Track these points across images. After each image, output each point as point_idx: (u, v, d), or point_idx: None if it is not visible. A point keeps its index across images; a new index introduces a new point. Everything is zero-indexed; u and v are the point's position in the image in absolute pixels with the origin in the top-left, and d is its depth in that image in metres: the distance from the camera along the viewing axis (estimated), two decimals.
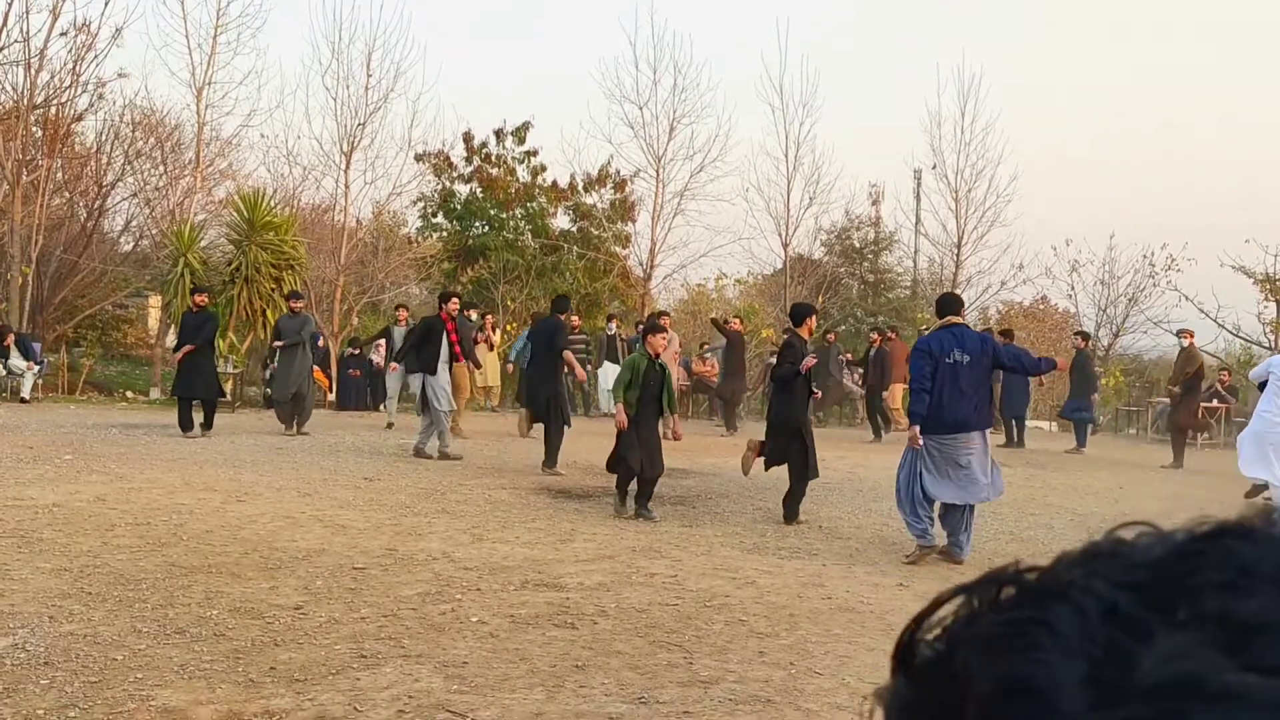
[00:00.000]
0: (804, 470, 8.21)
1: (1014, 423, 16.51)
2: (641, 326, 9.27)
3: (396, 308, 16.58)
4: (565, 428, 10.63)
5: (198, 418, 12.48)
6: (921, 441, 6.96)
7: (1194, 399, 14.90)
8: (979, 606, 0.42)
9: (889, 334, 17.68)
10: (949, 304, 7.38)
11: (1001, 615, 0.41)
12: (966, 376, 6.87)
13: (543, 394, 10.76)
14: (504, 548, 6.72)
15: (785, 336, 8.84)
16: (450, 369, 11.63)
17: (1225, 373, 21.73)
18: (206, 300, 13.22)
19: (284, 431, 13.20)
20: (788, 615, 5.36)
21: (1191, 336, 15.17)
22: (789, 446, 8.26)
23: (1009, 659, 0.39)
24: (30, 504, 7.35)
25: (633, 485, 8.37)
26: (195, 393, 12.47)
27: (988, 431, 7.18)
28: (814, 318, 8.79)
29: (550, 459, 10.51)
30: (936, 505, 7.12)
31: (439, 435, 11.28)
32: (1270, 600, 0.38)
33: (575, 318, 19.18)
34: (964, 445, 6.92)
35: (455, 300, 12.05)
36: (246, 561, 5.98)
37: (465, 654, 4.46)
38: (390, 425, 14.50)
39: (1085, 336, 17.60)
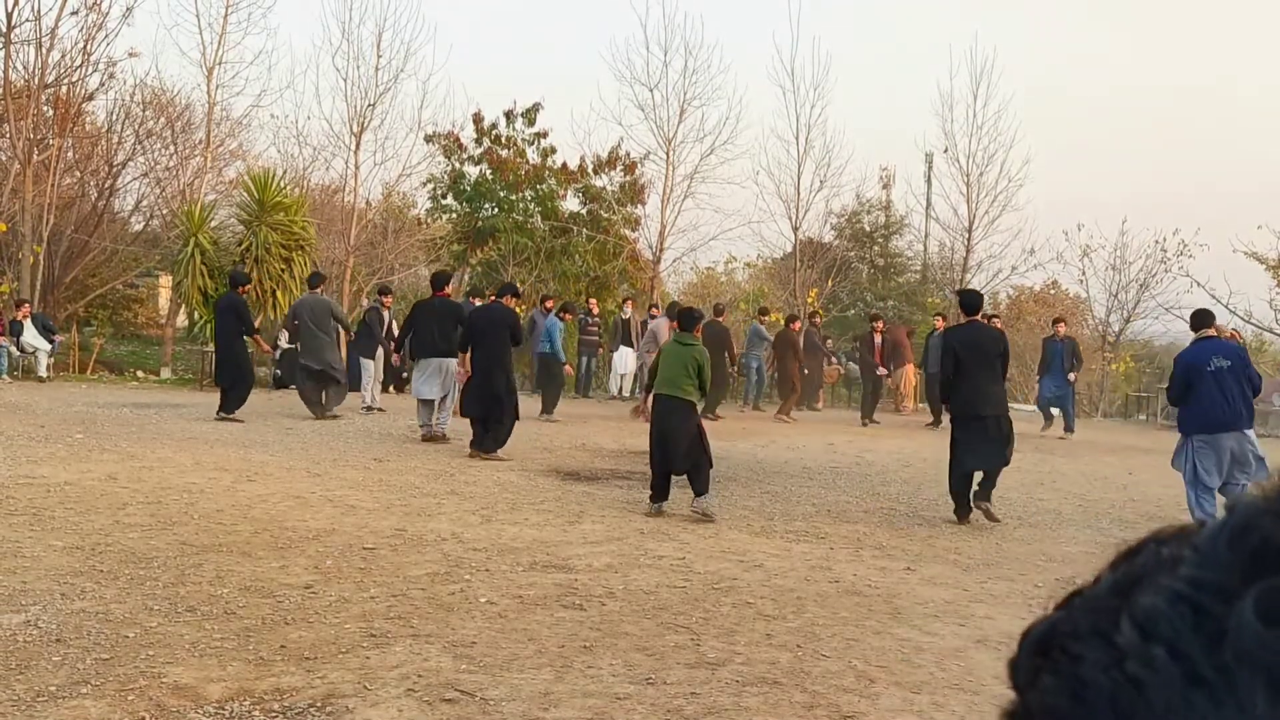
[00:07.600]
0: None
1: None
2: (702, 317, 8.21)
3: (380, 293, 15.72)
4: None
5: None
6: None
7: None
8: (1076, 629, 0.41)
9: (899, 323, 17.63)
10: (1203, 318, 8.03)
11: (1093, 652, 0.39)
12: (1229, 380, 7.59)
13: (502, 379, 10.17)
14: (512, 529, 6.74)
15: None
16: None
17: None
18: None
19: (316, 416, 12.76)
20: (795, 598, 5.38)
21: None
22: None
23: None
24: (42, 482, 7.40)
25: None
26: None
27: (1251, 430, 7.87)
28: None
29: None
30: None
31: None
32: None
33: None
34: (1229, 440, 7.65)
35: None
36: (257, 541, 6.02)
37: (474, 634, 4.48)
38: (370, 409, 13.88)
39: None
